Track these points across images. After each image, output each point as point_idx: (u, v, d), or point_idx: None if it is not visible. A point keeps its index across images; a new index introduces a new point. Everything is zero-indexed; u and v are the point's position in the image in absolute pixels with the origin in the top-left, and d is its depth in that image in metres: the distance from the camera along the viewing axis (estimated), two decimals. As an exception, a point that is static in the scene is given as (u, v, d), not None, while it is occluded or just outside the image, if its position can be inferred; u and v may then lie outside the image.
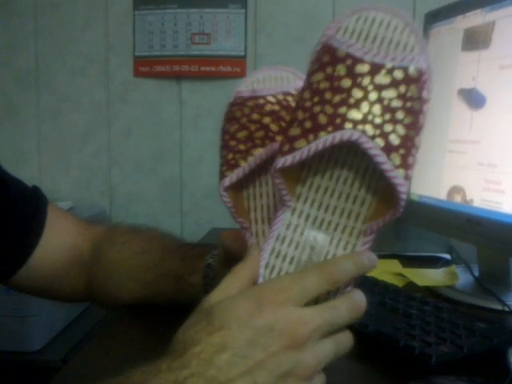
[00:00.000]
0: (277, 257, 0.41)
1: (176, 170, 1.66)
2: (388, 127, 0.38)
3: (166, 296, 0.64)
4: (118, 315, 0.69)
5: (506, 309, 0.71)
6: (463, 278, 0.84)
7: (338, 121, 0.38)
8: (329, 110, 0.38)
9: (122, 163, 1.68)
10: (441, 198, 0.84)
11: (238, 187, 0.47)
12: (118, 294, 0.67)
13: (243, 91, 0.49)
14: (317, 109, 0.39)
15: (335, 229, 0.42)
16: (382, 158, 0.38)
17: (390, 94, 0.38)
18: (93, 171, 1.70)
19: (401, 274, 0.86)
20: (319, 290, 0.39)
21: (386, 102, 0.38)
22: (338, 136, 0.38)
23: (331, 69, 0.39)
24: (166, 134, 1.66)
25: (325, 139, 0.38)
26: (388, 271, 0.87)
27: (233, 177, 0.45)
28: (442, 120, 0.86)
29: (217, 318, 0.37)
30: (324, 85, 0.39)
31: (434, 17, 0.90)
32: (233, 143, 0.46)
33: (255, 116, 0.46)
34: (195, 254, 0.64)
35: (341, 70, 0.39)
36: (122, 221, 1.60)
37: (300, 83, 0.44)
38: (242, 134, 0.46)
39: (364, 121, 0.38)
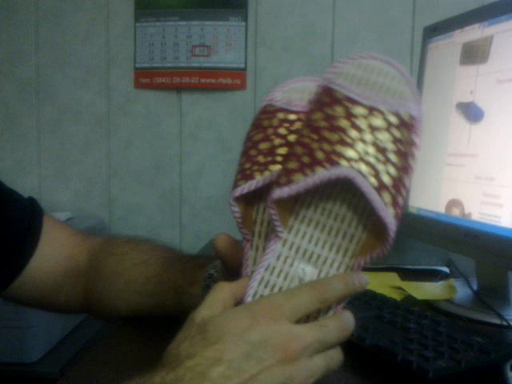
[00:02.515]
0: (265, 286, 0.42)
1: (175, 182, 1.67)
2: (381, 167, 0.40)
3: (165, 307, 0.64)
4: (115, 326, 0.68)
5: (505, 323, 0.71)
6: (461, 291, 0.84)
7: (335, 158, 0.40)
8: (326, 147, 0.40)
9: (122, 175, 1.69)
10: (439, 212, 0.85)
11: (249, 197, 0.46)
12: (116, 305, 0.67)
13: (277, 99, 0.48)
14: (315, 145, 0.40)
15: (324, 263, 0.43)
16: (374, 196, 0.39)
17: (384, 136, 0.40)
18: (92, 182, 1.70)
19: (399, 288, 0.86)
20: (311, 307, 0.40)
21: (380, 144, 0.40)
22: (334, 172, 0.39)
23: (330, 109, 0.41)
24: (166, 145, 1.66)
25: (322, 174, 0.40)
26: (386, 284, 0.87)
27: (244, 188, 0.45)
28: (440, 133, 0.86)
29: (211, 332, 0.38)
30: (323, 124, 0.41)
31: (433, 31, 0.91)
32: (253, 153, 0.46)
33: (282, 130, 0.46)
34: (196, 264, 0.64)
35: (339, 110, 0.41)
36: (121, 232, 1.61)
37: None
38: (264, 146, 0.46)
39: (359, 159, 0.40)
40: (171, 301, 0.63)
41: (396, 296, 0.81)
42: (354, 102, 0.41)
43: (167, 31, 1.64)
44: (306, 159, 0.40)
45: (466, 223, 0.78)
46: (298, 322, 0.40)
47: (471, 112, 0.80)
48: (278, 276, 0.42)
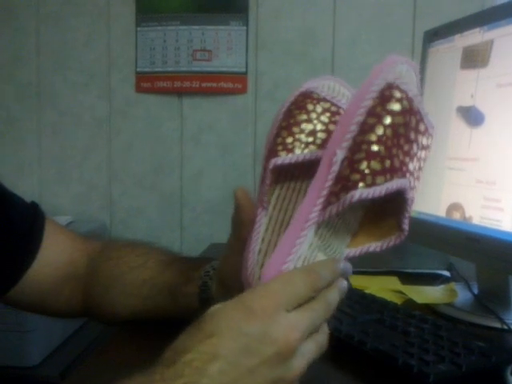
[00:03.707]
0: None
1: (176, 185, 1.67)
2: (416, 183, 0.44)
3: (161, 310, 0.64)
4: (115, 330, 0.68)
5: (505, 327, 0.71)
6: (462, 295, 0.84)
7: (404, 169, 0.42)
8: (401, 156, 0.42)
9: (123, 178, 1.69)
10: (440, 215, 0.84)
11: (279, 170, 0.47)
12: (114, 309, 0.67)
13: (320, 91, 0.49)
14: (394, 151, 0.41)
15: (334, 251, 0.45)
16: (411, 207, 0.44)
17: (425, 154, 0.45)
18: (93, 186, 1.70)
19: (399, 291, 0.85)
20: (305, 295, 0.40)
21: (421, 163, 0.44)
22: (402, 184, 0.41)
23: (408, 118, 0.42)
24: (167, 149, 1.67)
25: (397, 183, 0.41)
26: (387, 288, 0.87)
27: (286, 159, 0.45)
28: (441, 137, 0.86)
29: (207, 324, 0.38)
30: (402, 130, 0.42)
31: (433, 35, 0.91)
32: (296, 130, 0.46)
33: (324, 118, 0.47)
34: (191, 266, 0.64)
35: (413, 122, 0.43)
36: (122, 235, 1.61)
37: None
38: (307, 127, 0.46)
39: (413, 173, 0.43)
40: (167, 302, 0.63)
41: (396, 300, 0.81)
42: (421, 119, 0.43)
43: (168, 35, 1.65)
44: (387, 163, 0.41)
45: (467, 227, 0.78)
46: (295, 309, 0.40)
47: (472, 116, 0.80)
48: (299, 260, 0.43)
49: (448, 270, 1.00)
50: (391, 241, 0.46)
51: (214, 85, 1.63)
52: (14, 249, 0.65)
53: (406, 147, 0.42)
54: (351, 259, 0.46)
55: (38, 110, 1.70)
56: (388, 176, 0.41)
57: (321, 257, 0.43)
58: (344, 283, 0.44)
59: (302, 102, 0.48)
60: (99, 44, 1.67)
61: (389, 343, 0.58)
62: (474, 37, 0.81)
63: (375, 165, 0.40)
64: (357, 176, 0.41)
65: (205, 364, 0.36)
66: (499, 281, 0.79)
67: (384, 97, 0.42)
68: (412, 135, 0.42)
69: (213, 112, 1.64)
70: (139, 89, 1.67)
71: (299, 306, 0.40)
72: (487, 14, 0.82)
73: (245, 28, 1.61)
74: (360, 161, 0.40)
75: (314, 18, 1.59)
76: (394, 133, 0.41)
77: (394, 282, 0.91)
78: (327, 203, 0.41)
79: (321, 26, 1.59)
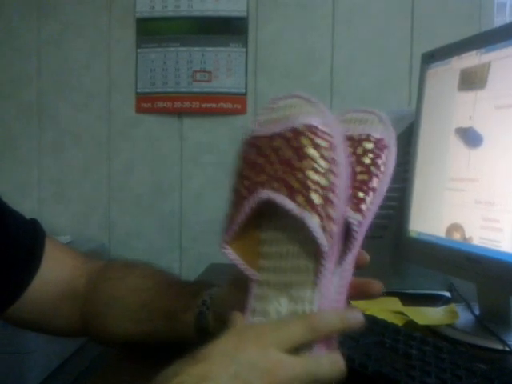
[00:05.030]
0: None
1: (176, 205, 1.67)
2: (297, 184, 0.42)
3: (159, 334, 0.63)
4: (113, 353, 0.68)
5: (507, 348, 0.70)
6: (463, 316, 0.83)
7: (255, 187, 0.43)
8: (246, 182, 0.44)
9: (122, 198, 1.69)
10: (440, 236, 0.84)
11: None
12: (112, 331, 0.66)
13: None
14: (237, 185, 0.44)
15: (291, 287, 0.43)
16: (289, 204, 0.41)
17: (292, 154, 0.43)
18: (92, 206, 1.70)
19: (400, 313, 0.85)
20: (302, 339, 0.40)
21: (295, 164, 0.42)
22: (253, 199, 0.42)
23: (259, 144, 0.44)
24: (167, 169, 1.67)
25: (246, 205, 0.43)
26: (388, 309, 0.86)
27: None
28: (440, 158, 0.87)
29: (200, 351, 0.38)
30: (252, 155, 0.44)
31: (431, 57, 0.92)
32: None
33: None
34: (190, 291, 0.63)
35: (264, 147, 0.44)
36: (121, 255, 1.60)
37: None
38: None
39: (269, 180, 0.42)
40: (164, 328, 0.63)
41: (397, 321, 0.80)
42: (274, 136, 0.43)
43: (168, 57, 1.66)
44: (244, 193, 0.43)
45: (467, 248, 0.78)
46: (291, 352, 0.40)
47: (470, 137, 0.81)
48: (260, 315, 0.43)
49: (449, 290, 0.99)
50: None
51: (214, 105, 1.64)
52: (14, 265, 0.65)
53: (252, 173, 0.43)
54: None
55: (39, 129, 1.71)
56: (241, 208, 0.43)
57: (283, 299, 0.43)
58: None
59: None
60: (100, 65, 1.69)
61: (390, 366, 0.58)
62: (471, 59, 0.82)
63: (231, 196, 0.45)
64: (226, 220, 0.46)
65: None
66: (500, 302, 0.79)
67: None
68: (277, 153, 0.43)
69: (212, 132, 1.65)
70: (139, 109, 1.68)
71: (297, 349, 0.40)
72: (484, 36, 0.83)
73: (244, 50, 1.63)
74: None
75: (312, 40, 1.61)
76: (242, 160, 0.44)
77: (394, 303, 0.91)
78: None
79: (319, 48, 1.61)
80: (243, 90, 1.64)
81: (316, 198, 0.41)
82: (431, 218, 0.87)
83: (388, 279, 1.05)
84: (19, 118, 1.72)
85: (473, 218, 0.78)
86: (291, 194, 0.41)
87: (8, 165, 1.72)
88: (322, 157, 0.41)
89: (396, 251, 0.95)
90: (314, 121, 0.42)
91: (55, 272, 0.68)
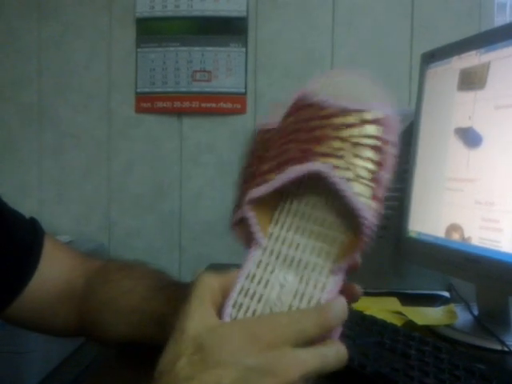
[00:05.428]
0: (245, 295, 0.41)
1: (175, 206, 1.67)
2: (353, 160, 0.41)
3: (150, 338, 0.63)
4: (112, 353, 0.68)
5: (506, 349, 0.70)
6: (462, 316, 0.83)
7: (307, 155, 0.41)
8: (298, 145, 0.41)
9: (122, 198, 1.69)
10: (439, 236, 0.84)
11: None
12: (107, 333, 0.66)
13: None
14: (288, 146, 0.42)
15: (305, 267, 0.42)
16: (343, 185, 0.40)
17: (356, 131, 0.41)
18: (92, 206, 1.70)
19: (399, 313, 0.85)
20: (314, 333, 0.39)
21: (353, 140, 0.41)
22: (305, 168, 0.40)
23: (302, 112, 0.43)
24: (166, 169, 1.67)
25: (293, 170, 0.41)
26: (386, 309, 0.86)
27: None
28: (439, 158, 0.87)
29: (210, 353, 0.37)
30: (296, 126, 0.43)
31: (430, 57, 0.92)
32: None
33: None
34: (180, 294, 0.62)
35: (311, 112, 0.43)
36: (121, 255, 1.60)
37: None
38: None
39: (330, 155, 0.40)
40: (155, 331, 0.62)
41: (396, 321, 0.80)
42: (324, 106, 0.42)
43: (168, 56, 1.66)
44: (279, 159, 0.42)
45: (466, 248, 0.78)
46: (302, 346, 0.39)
47: (470, 137, 0.80)
48: (259, 284, 0.41)
49: (448, 290, 1.00)
50: (358, 248, 0.41)
51: (214, 105, 1.64)
52: (12, 264, 0.65)
53: (305, 136, 0.41)
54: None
55: (39, 130, 1.71)
56: (281, 169, 0.41)
57: (291, 275, 0.41)
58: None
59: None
60: (100, 65, 1.69)
61: (389, 366, 0.58)
62: (470, 59, 0.82)
63: (265, 166, 0.42)
64: (257, 180, 0.42)
65: None
66: (499, 302, 0.79)
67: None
68: (313, 123, 0.42)
69: (212, 132, 1.65)
70: (139, 109, 1.68)
71: (308, 344, 0.39)
72: (484, 36, 0.83)
73: (244, 49, 1.63)
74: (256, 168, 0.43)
75: (312, 40, 1.61)
76: (283, 132, 0.43)
77: (393, 303, 0.91)
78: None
79: (319, 48, 1.61)
80: (243, 90, 1.64)
81: (365, 175, 0.40)
82: (431, 218, 0.87)
83: (387, 279, 1.06)
84: (20, 119, 1.72)
85: (472, 218, 0.78)
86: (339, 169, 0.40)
87: (8, 166, 1.72)
88: (376, 138, 0.41)
89: (395, 251, 0.95)
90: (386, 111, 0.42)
91: (54, 271, 0.68)
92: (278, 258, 0.42)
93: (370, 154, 0.41)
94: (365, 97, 0.43)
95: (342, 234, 0.42)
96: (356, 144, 0.41)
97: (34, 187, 1.72)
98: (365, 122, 0.41)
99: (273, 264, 0.42)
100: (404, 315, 0.84)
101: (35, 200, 1.71)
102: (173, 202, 1.67)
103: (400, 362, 0.59)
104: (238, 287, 0.41)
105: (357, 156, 0.40)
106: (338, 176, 0.40)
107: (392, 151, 0.42)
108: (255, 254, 0.42)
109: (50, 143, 1.71)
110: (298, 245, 0.42)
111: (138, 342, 0.65)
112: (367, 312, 0.82)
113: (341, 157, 0.40)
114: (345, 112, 0.42)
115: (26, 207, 1.69)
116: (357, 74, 0.45)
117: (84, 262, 0.71)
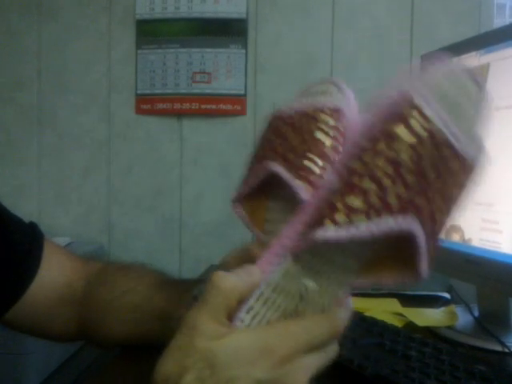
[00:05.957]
0: (264, 303, 0.39)
1: (175, 207, 1.67)
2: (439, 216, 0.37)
3: (153, 335, 0.63)
4: (112, 355, 0.68)
5: (506, 350, 0.70)
6: (463, 318, 0.83)
7: (407, 207, 0.33)
8: (401, 190, 0.33)
9: (122, 200, 1.69)
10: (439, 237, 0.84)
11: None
12: (109, 334, 0.66)
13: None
14: (388, 183, 0.33)
15: (327, 278, 0.40)
16: (424, 254, 0.35)
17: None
18: (92, 208, 1.70)
19: (400, 314, 0.85)
20: (326, 341, 0.40)
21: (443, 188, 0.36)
22: (403, 224, 0.33)
23: (420, 147, 0.33)
24: (166, 171, 1.67)
25: (388, 223, 0.33)
26: (387, 310, 0.86)
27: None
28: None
29: (222, 370, 0.36)
30: (404, 156, 0.33)
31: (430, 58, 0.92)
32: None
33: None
34: (182, 289, 0.63)
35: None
36: (121, 257, 1.60)
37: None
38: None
39: (426, 210, 0.35)
40: (158, 328, 0.62)
41: (397, 322, 0.80)
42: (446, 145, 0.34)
43: (168, 58, 1.66)
44: (374, 200, 0.33)
45: (467, 249, 0.78)
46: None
47: (470, 138, 0.80)
48: (280, 294, 0.39)
49: (448, 292, 0.99)
50: (404, 278, 0.39)
51: (214, 107, 1.64)
52: (12, 269, 0.65)
53: (411, 179, 0.33)
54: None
55: (38, 131, 1.71)
56: (373, 215, 0.33)
57: (312, 285, 0.39)
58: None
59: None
60: (100, 67, 1.69)
61: (390, 368, 0.58)
62: (470, 60, 0.82)
63: (356, 201, 0.33)
64: (327, 211, 0.34)
65: None
66: (500, 303, 0.79)
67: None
68: (425, 162, 0.33)
69: (212, 134, 1.65)
70: (139, 111, 1.68)
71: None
72: (484, 37, 0.83)
73: (244, 51, 1.63)
74: (342, 193, 0.34)
75: (312, 41, 1.61)
76: (387, 160, 0.33)
77: (394, 305, 0.91)
78: (303, 234, 0.36)
79: (319, 49, 1.61)
80: (243, 92, 1.64)
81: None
82: (431, 220, 0.87)
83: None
84: (19, 120, 1.72)
85: (472, 219, 0.78)
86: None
87: (8, 167, 1.72)
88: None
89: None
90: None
91: (53, 276, 0.68)
92: (303, 268, 0.39)
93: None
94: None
95: (368, 250, 0.39)
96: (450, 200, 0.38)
97: (33, 188, 1.71)
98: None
99: (299, 275, 0.39)
100: (404, 316, 0.84)
101: (34, 201, 1.71)
102: (173, 204, 1.67)
103: (400, 364, 0.59)
104: (257, 293, 0.39)
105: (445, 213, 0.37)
106: (424, 241, 0.36)
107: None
108: (286, 265, 0.39)
109: (50, 144, 1.71)
110: (327, 258, 0.39)
111: (139, 342, 0.65)
112: (367, 313, 0.82)
113: (431, 216, 0.36)
114: (458, 158, 0.35)
115: (25, 208, 1.69)
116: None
117: (84, 265, 0.72)
